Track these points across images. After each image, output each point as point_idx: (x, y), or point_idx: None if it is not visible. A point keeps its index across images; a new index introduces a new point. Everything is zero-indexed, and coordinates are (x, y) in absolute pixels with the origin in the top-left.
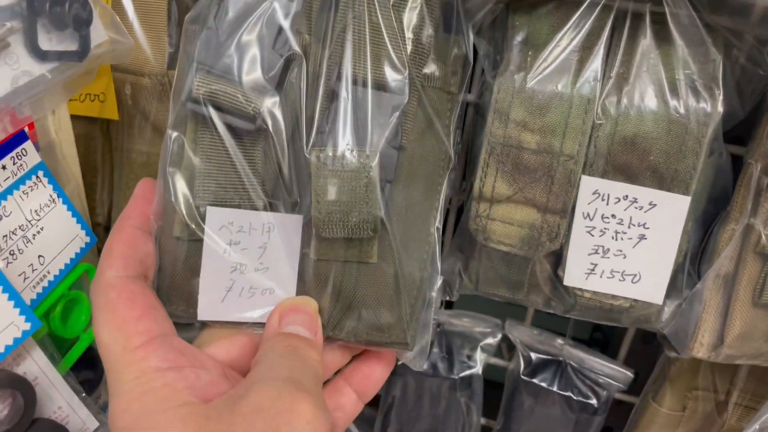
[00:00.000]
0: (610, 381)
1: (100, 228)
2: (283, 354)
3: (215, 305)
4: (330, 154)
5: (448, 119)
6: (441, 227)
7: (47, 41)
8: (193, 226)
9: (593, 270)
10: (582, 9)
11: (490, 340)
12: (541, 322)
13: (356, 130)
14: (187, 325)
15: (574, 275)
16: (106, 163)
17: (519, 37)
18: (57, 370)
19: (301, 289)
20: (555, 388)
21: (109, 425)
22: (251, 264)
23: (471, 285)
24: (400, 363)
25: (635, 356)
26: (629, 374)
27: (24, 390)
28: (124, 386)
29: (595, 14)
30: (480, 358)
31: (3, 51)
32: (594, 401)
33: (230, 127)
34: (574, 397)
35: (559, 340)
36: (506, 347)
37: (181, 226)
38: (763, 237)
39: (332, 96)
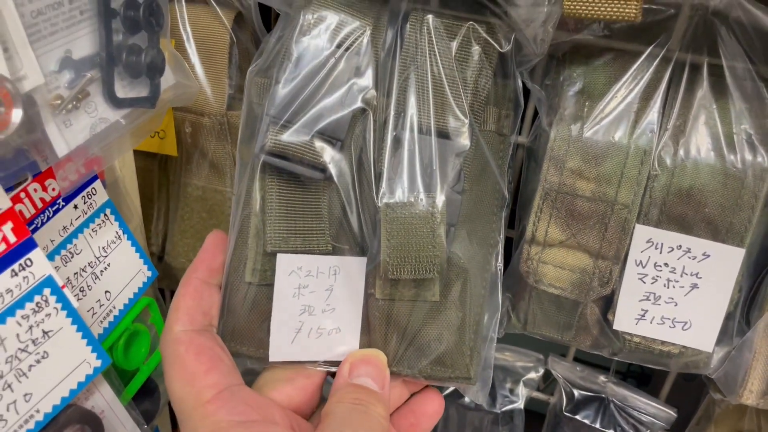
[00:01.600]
0: (654, 420)
1: (154, 258)
2: (352, 410)
3: (285, 347)
4: (399, 200)
5: (502, 160)
6: (501, 266)
7: (121, 88)
8: (264, 272)
9: (643, 316)
10: (640, 61)
11: (532, 375)
12: (583, 355)
13: (423, 177)
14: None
15: (624, 320)
16: (162, 196)
17: (575, 87)
18: (120, 402)
19: (366, 328)
20: (598, 425)
21: None
22: (319, 306)
23: (519, 324)
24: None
25: (677, 394)
26: (672, 413)
27: (93, 424)
28: None
29: (653, 66)
30: (522, 393)
31: (84, 100)
32: None
33: (297, 176)
34: None
35: (602, 377)
36: (545, 380)
37: (251, 272)
38: None
39: (398, 145)
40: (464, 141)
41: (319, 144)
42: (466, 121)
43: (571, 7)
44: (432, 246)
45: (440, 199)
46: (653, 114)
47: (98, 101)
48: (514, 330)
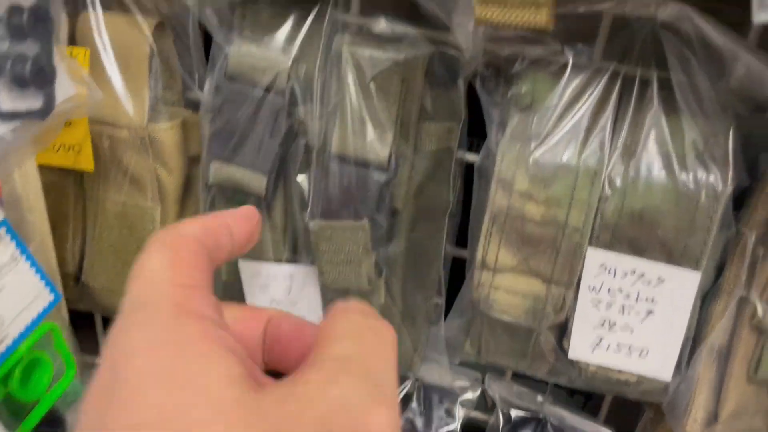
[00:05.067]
0: None
1: (69, 278)
2: (358, 321)
3: None
4: (327, 224)
5: (446, 172)
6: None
7: (10, 100)
8: (235, 273)
9: (599, 343)
10: (588, 76)
11: (469, 395)
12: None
13: (346, 203)
14: None
15: (579, 348)
16: (77, 214)
17: (522, 103)
18: None
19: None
20: None
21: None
22: (283, 299)
23: (473, 352)
24: None
25: (618, 412)
26: None
27: None
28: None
29: (602, 81)
30: (459, 414)
31: None
32: None
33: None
34: None
35: (539, 397)
36: (485, 400)
37: (226, 273)
38: (759, 310)
39: (327, 170)
40: (388, 170)
41: (253, 175)
42: (390, 149)
43: (483, 13)
44: (359, 264)
45: (366, 224)
46: (603, 132)
47: None
48: (469, 358)
